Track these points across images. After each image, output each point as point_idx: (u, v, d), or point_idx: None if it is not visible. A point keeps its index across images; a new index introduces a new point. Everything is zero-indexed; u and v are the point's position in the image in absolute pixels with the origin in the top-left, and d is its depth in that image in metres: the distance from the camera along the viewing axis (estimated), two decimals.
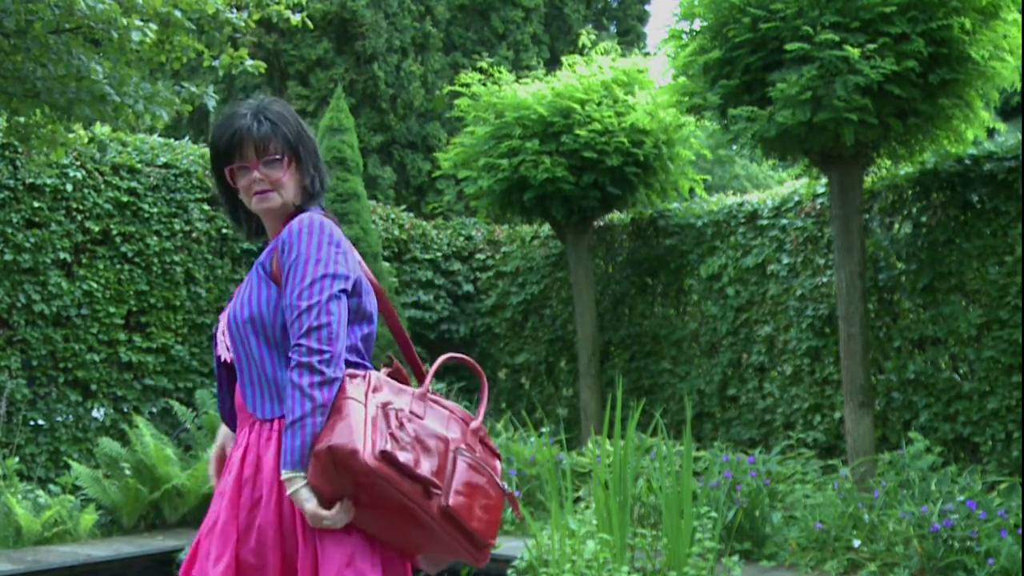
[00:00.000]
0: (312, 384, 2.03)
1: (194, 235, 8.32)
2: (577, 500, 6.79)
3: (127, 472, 7.16)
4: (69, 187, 7.58)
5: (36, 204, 7.45)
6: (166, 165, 8.24)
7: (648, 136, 8.07)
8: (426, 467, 2.03)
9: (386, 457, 1.97)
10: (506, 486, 2.18)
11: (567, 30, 15.59)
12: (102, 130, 7.15)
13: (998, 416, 6.65)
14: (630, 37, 16.70)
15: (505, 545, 5.95)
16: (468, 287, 10.18)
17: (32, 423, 7.37)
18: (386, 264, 8.82)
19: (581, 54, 8.80)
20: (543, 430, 7.69)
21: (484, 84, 8.51)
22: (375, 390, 2.10)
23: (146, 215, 8.04)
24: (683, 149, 8.39)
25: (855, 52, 5.65)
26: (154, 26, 5.37)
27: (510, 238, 10.12)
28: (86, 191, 7.71)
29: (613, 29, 17.17)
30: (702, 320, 8.55)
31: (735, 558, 5.23)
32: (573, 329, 9.11)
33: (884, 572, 5.35)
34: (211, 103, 5.94)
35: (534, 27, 15.18)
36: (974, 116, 6.38)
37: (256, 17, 5.94)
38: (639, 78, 8.33)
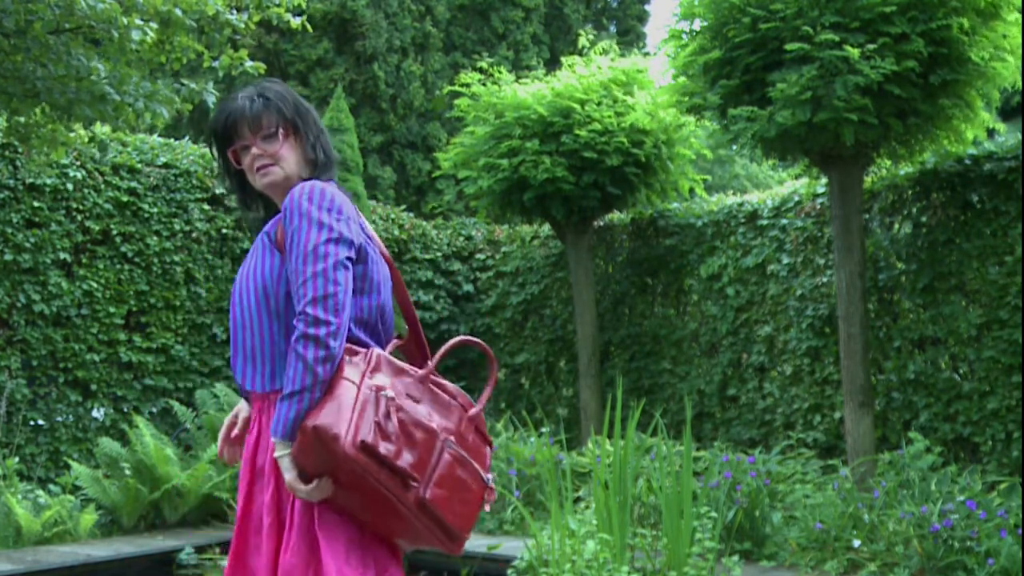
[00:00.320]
0: (317, 359, 2.02)
1: (194, 235, 8.32)
2: (577, 500, 6.79)
3: (127, 472, 7.16)
4: (69, 187, 7.58)
5: (36, 204, 7.45)
6: (166, 165, 8.24)
7: (648, 136, 8.07)
8: (407, 459, 2.02)
9: (366, 448, 1.97)
10: (490, 479, 2.17)
11: (567, 30, 15.59)
12: (102, 130, 7.15)
13: (998, 416, 6.66)
14: (630, 37, 16.71)
15: (505, 545, 5.95)
16: (468, 287, 10.18)
17: (32, 423, 7.37)
18: None
19: (581, 54, 8.80)
20: (543, 430, 7.69)
21: (484, 84, 8.51)
22: (373, 370, 2.08)
23: (146, 215, 8.04)
24: (683, 149, 8.38)
25: (855, 52, 5.64)
26: (155, 25, 5.37)
27: (510, 238, 10.12)
28: (86, 191, 7.72)
29: (613, 29, 17.18)
30: (702, 320, 8.55)
31: (735, 558, 5.23)
32: (573, 329, 9.11)
33: (884, 572, 5.35)
34: (211, 100, 5.94)
35: (534, 27, 15.18)
36: (974, 116, 6.38)
37: (256, 19, 5.94)
38: (639, 78, 8.33)
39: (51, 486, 7.17)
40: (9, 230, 7.30)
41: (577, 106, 7.95)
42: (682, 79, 6.78)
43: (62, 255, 7.56)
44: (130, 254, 7.94)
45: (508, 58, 14.59)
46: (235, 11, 5.89)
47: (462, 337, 2.31)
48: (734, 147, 6.59)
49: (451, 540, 2.12)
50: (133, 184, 7.98)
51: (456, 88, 8.77)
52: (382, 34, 13.44)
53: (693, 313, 8.63)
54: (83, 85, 5.34)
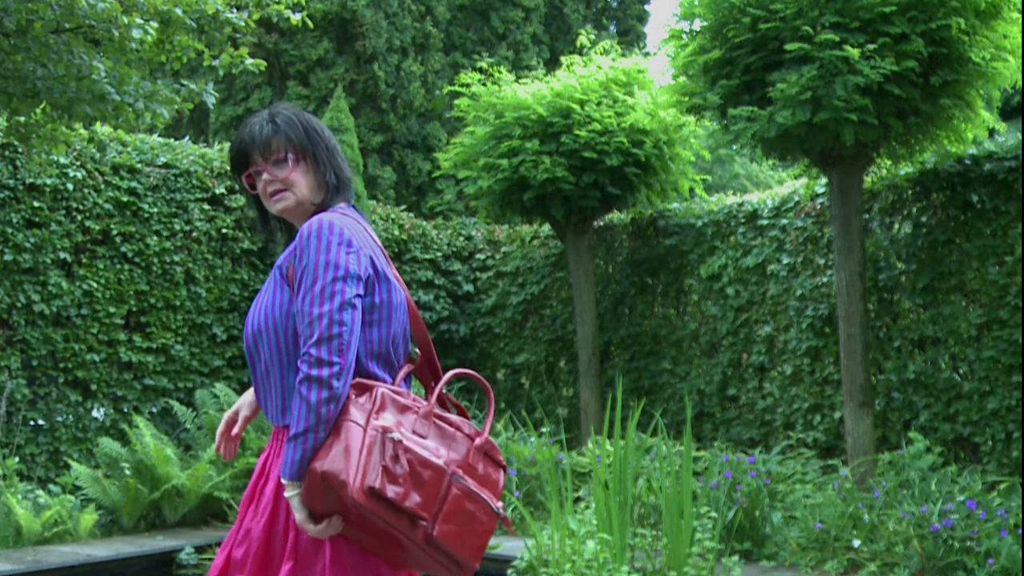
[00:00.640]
0: (320, 401, 2.03)
1: (194, 235, 8.32)
2: (577, 500, 6.79)
3: (127, 472, 7.16)
4: (69, 187, 7.58)
5: (36, 204, 7.45)
6: (166, 165, 8.24)
7: (648, 136, 8.07)
8: (415, 499, 2.04)
9: (374, 493, 1.99)
10: (500, 509, 2.18)
11: (567, 30, 15.60)
12: (103, 130, 7.16)
13: (998, 416, 6.66)
14: (630, 37, 16.71)
15: (505, 545, 5.96)
16: (468, 287, 10.18)
17: (32, 423, 7.37)
18: None
19: (581, 54, 8.80)
20: (543, 430, 7.69)
21: (484, 84, 8.51)
22: (379, 411, 2.09)
23: (146, 215, 8.04)
24: (683, 149, 8.39)
25: (855, 52, 5.64)
26: (155, 24, 5.37)
27: (510, 238, 10.12)
28: (86, 191, 7.71)
29: (613, 29, 17.19)
30: (702, 320, 8.55)
31: (735, 558, 5.23)
32: (573, 329, 9.11)
33: (884, 572, 5.35)
34: (211, 100, 5.94)
35: (534, 27, 15.19)
36: (975, 116, 6.38)
37: (256, 17, 5.94)
38: (639, 78, 8.33)
39: (51, 486, 7.17)
40: (9, 230, 7.30)
41: (577, 106, 7.95)
42: (682, 79, 6.78)
43: (62, 255, 7.56)
44: (130, 254, 7.94)
45: (508, 58, 14.59)
46: (235, 9, 5.89)
47: (457, 371, 2.31)
48: (734, 147, 6.59)
49: (460, 569, 2.14)
50: (133, 184, 7.98)
51: (456, 88, 8.77)
52: (382, 34, 13.44)
53: (693, 313, 8.63)
54: (83, 84, 5.34)
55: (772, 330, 7.99)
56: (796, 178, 8.07)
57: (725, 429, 8.21)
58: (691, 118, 7.27)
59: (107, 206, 7.82)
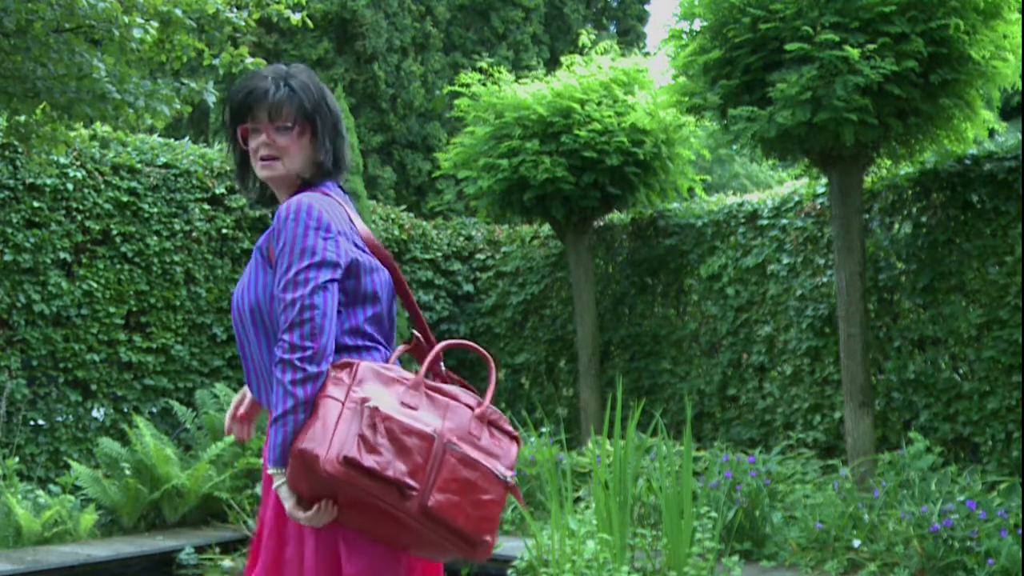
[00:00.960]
0: (293, 381, 2.00)
1: (194, 235, 8.32)
2: (577, 500, 6.79)
3: (127, 472, 7.16)
4: (69, 187, 7.58)
5: (36, 204, 7.44)
6: (166, 165, 8.24)
7: (648, 136, 8.07)
8: (400, 468, 1.96)
9: (349, 462, 1.93)
10: (509, 477, 2.09)
11: (567, 30, 15.59)
12: (103, 130, 7.15)
13: (998, 416, 6.65)
14: (630, 37, 16.70)
15: (505, 545, 5.95)
16: (468, 287, 10.18)
17: (32, 423, 7.37)
18: None
19: (581, 54, 8.79)
20: (543, 430, 7.69)
21: (484, 84, 8.51)
22: (359, 383, 2.04)
23: (146, 215, 8.04)
24: (683, 149, 8.38)
25: (855, 52, 5.64)
26: (155, 24, 5.37)
27: (510, 238, 10.12)
28: (86, 191, 7.71)
29: (613, 29, 17.18)
30: (702, 320, 8.55)
31: (735, 558, 5.23)
32: (573, 329, 9.11)
33: (884, 572, 5.35)
34: (211, 99, 5.94)
35: (534, 27, 15.18)
36: (975, 115, 6.38)
37: (256, 16, 5.94)
38: (639, 78, 8.33)
39: (51, 486, 7.17)
40: (9, 230, 7.30)
41: (577, 106, 7.95)
42: (682, 79, 6.78)
43: (62, 255, 7.56)
44: (130, 254, 7.94)
45: (508, 58, 14.59)
46: (235, 9, 5.89)
47: (450, 341, 2.26)
48: (734, 147, 6.59)
49: (471, 546, 2.04)
50: (133, 184, 7.98)
51: (456, 88, 8.77)
52: (382, 34, 13.44)
53: (693, 313, 8.63)
54: (83, 84, 5.34)
55: (772, 330, 7.99)
56: (796, 178, 8.07)
57: (725, 429, 8.20)
58: (691, 118, 7.27)
59: (107, 206, 7.82)
